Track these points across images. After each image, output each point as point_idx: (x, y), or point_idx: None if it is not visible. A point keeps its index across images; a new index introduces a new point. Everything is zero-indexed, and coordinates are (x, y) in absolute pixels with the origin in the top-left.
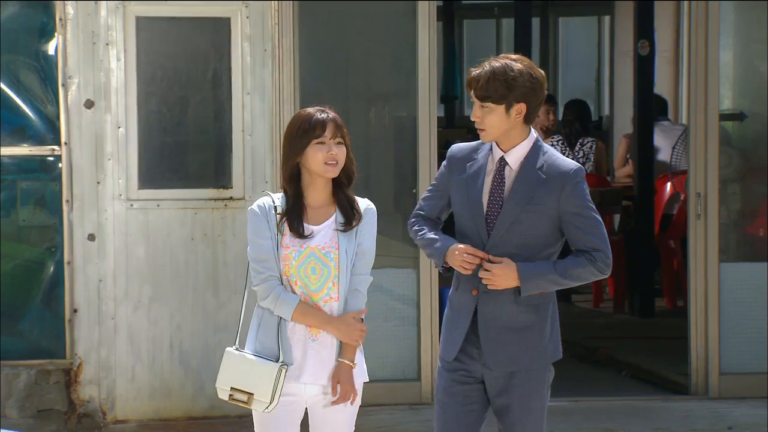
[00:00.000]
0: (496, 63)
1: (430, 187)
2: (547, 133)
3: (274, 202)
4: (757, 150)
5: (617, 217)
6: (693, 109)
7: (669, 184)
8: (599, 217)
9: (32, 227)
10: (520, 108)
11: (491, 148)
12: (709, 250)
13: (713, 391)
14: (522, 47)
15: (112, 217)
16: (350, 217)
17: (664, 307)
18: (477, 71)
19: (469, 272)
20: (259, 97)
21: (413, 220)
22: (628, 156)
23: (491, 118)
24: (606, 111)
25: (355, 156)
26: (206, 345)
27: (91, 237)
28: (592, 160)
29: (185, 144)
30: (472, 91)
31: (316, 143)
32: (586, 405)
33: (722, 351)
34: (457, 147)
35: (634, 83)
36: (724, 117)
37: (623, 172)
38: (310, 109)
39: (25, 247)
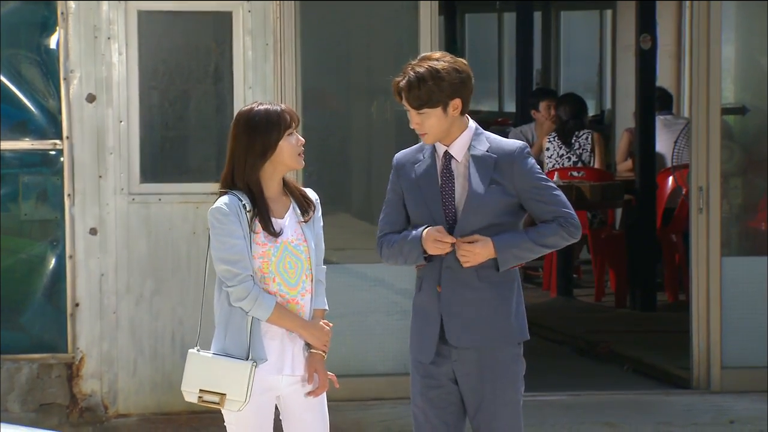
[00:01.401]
0: (420, 68)
1: (386, 205)
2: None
3: (241, 200)
4: (758, 144)
5: (619, 212)
6: (695, 103)
7: (671, 178)
8: (555, 185)
9: (34, 221)
10: (455, 104)
11: (434, 146)
12: (711, 245)
13: (715, 385)
14: (523, 42)
15: (114, 211)
16: (305, 207)
17: (665, 301)
18: (402, 80)
19: (444, 252)
20: (260, 91)
21: (380, 241)
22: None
23: (431, 122)
24: (608, 105)
25: (358, 150)
26: (208, 339)
27: (93, 231)
28: (589, 150)
29: (187, 138)
30: (404, 101)
31: (288, 135)
32: (588, 399)
33: (724, 345)
34: (401, 153)
35: (636, 77)
36: (725, 111)
37: (625, 166)
38: (262, 106)
39: (26, 241)
